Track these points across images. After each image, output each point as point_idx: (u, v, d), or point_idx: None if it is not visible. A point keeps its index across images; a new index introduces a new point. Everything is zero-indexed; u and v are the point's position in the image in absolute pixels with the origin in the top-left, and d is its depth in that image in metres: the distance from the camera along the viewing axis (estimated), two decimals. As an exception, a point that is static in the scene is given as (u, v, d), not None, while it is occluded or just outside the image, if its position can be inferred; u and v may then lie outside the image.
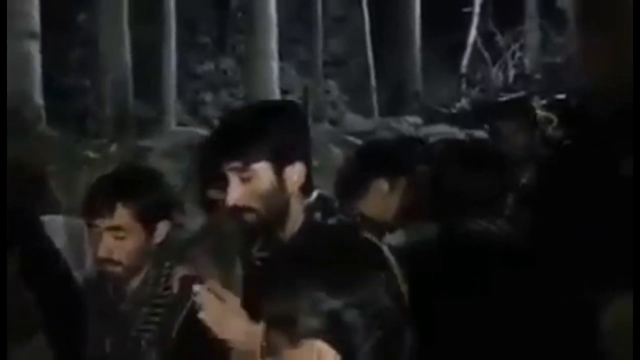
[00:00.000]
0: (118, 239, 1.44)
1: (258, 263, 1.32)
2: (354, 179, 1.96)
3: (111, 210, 1.43)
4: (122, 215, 1.44)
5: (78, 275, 1.80)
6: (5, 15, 3.83)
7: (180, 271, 1.54)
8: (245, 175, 1.23)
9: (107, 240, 1.44)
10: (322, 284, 0.77)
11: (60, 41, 5.82)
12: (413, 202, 2.01)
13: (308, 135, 1.32)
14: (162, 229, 1.50)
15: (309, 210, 1.28)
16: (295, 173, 1.26)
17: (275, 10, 7.05)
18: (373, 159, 2.00)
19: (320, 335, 0.76)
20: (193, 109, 8.42)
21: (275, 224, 1.27)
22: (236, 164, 1.23)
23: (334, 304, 0.77)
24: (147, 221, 1.47)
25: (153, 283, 1.50)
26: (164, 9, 6.38)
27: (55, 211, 2.20)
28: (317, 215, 1.28)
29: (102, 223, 1.44)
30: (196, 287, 1.24)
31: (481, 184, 1.51)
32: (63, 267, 1.72)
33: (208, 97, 9.10)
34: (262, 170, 1.23)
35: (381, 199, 1.94)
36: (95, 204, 1.45)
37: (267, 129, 1.24)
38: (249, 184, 1.23)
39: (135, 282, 1.50)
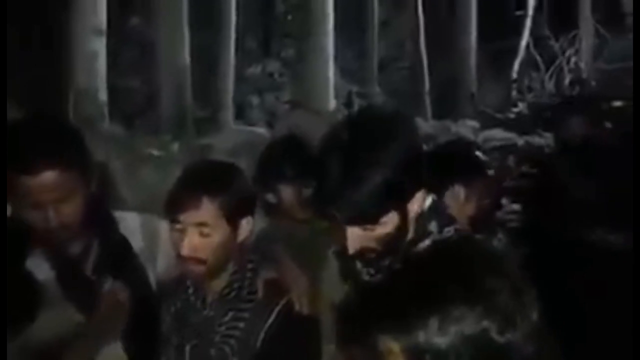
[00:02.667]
0: (203, 236, 1.35)
1: (366, 278, 1.17)
2: (427, 183, 1.85)
3: (197, 205, 1.35)
4: (208, 209, 1.35)
5: (150, 275, 1.72)
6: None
7: (264, 274, 1.44)
8: (370, 229, 1.08)
9: (193, 237, 1.35)
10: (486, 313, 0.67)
11: (121, 42, 5.92)
12: (488, 209, 1.88)
13: (419, 149, 1.15)
14: (246, 226, 1.41)
15: (423, 219, 1.14)
16: (415, 203, 1.11)
17: (333, 12, 6.97)
18: (449, 163, 1.88)
19: None
20: (240, 111, 8.45)
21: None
22: (364, 227, 1.07)
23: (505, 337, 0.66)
24: (232, 216, 1.37)
25: (238, 286, 1.40)
26: (223, 14, 6.42)
27: (121, 208, 2.13)
28: (433, 225, 1.14)
29: (187, 218, 1.36)
30: None
31: (600, 191, 1.37)
32: (138, 264, 1.65)
33: (254, 99, 9.12)
34: (390, 219, 1.08)
35: (457, 206, 1.83)
36: (181, 199, 1.37)
37: (386, 174, 1.05)
38: (372, 232, 1.09)
39: (217, 285, 1.41)
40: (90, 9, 4.74)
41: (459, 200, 1.81)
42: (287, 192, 1.83)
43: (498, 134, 6.46)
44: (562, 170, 1.44)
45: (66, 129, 1.40)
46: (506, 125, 7.13)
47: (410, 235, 1.14)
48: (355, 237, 1.10)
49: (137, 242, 1.66)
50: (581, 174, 1.40)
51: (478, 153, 2.40)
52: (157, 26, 5.59)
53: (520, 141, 5.91)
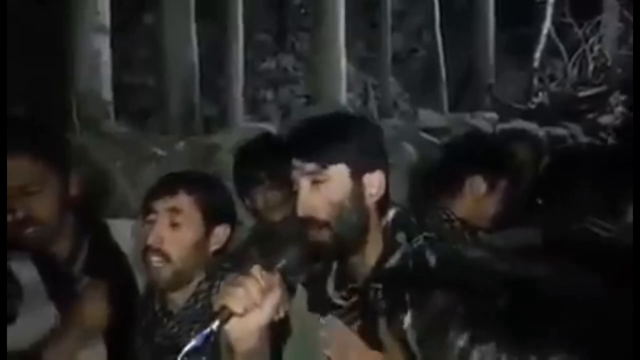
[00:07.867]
0: (174, 227, 1.28)
1: (339, 302, 1.12)
2: (447, 174, 1.76)
3: (173, 191, 1.30)
4: (183, 199, 1.31)
5: (138, 280, 1.66)
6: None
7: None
8: (320, 177, 1.06)
9: (162, 225, 1.29)
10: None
11: (127, 39, 5.90)
12: (514, 207, 1.77)
13: (385, 148, 1.15)
14: (221, 234, 1.33)
15: (389, 231, 1.09)
16: (375, 182, 1.08)
17: (344, 5, 6.87)
18: (470, 153, 1.76)
19: None
20: (254, 107, 8.40)
21: (353, 245, 1.08)
22: (310, 167, 1.06)
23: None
24: (207, 215, 1.31)
25: (204, 297, 1.31)
26: (230, 7, 6.36)
27: (124, 213, 2.10)
28: (400, 237, 1.08)
29: (161, 204, 1.30)
30: (323, 320, 1.09)
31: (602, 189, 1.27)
32: (126, 266, 1.59)
33: (269, 94, 9.06)
34: (339, 174, 1.06)
35: (477, 200, 1.71)
36: (158, 188, 1.33)
37: (345, 132, 1.09)
38: (321, 187, 1.06)
39: (182, 297, 1.33)
40: (92, 7, 4.73)
41: (478, 193, 1.70)
42: (259, 196, 1.76)
43: (517, 125, 6.27)
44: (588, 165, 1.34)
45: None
46: (526, 115, 6.94)
47: (380, 249, 1.08)
48: (306, 194, 1.07)
49: (128, 248, 1.61)
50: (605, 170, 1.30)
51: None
52: (164, 23, 5.54)
53: (541, 132, 5.72)
